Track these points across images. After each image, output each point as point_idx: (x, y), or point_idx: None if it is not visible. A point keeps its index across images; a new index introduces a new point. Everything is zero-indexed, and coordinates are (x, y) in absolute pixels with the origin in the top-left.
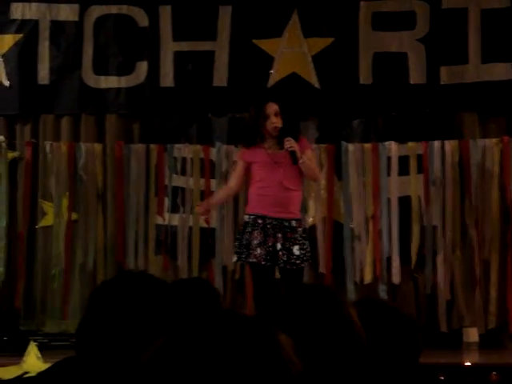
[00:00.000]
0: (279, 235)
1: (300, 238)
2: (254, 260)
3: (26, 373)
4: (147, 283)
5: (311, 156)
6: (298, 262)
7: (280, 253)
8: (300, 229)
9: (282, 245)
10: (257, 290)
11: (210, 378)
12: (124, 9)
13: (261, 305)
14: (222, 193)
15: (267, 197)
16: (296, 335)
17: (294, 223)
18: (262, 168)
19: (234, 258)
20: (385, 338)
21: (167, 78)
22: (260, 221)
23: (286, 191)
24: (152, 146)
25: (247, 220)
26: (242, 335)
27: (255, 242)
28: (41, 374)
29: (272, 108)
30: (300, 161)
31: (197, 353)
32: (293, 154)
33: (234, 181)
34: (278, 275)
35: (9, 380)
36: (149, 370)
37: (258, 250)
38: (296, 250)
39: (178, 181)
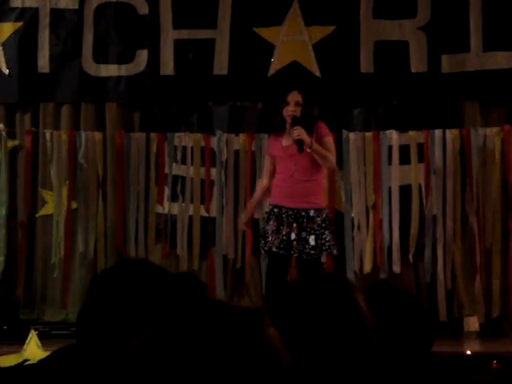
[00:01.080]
0: (294, 225)
1: (317, 228)
2: (267, 247)
3: (27, 361)
4: (147, 271)
5: (329, 143)
6: (312, 252)
7: (294, 242)
8: (319, 218)
9: (296, 235)
10: (267, 276)
11: (197, 370)
12: None
13: (270, 291)
14: (257, 194)
15: (283, 188)
16: (302, 321)
17: (312, 213)
18: (280, 161)
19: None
20: (397, 324)
21: (167, 67)
22: (276, 210)
23: (299, 182)
24: (152, 134)
25: (267, 210)
26: (229, 327)
27: (269, 229)
28: (41, 362)
29: (294, 97)
30: (307, 149)
31: (184, 345)
32: (299, 143)
33: (265, 178)
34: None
35: (9, 367)
36: (133, 360)
37: (270, 238)
38: (312, 239)
39: (179, 169)
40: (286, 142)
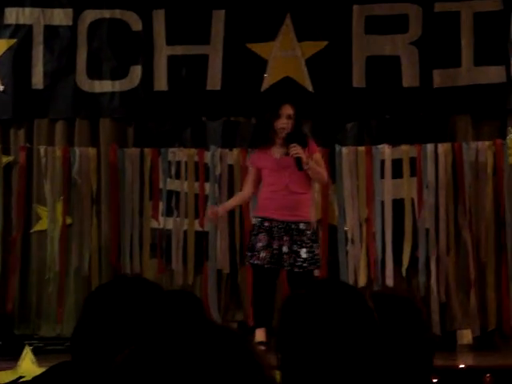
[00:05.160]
0: (286, 238)
1: (308, 241)
2: (258, 262)
3: (21, 377)
4: (142, 288)
5: (319, 159)
6: (304, 264)
7: (285, 256)
8: (309, 231)
9: (288, 247)
10: (256, 291)
11: None
12: (117, 13)
13: (259, 306)
14: (234, 200)
15: (274, 200)
16: (318, 328)
17: (301, 226)
18: (270, 173)
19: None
20: (398, 334)
21: (161, 82)
22: (267, 223)
23: (292, 195)
24: (146, 149)
25: (254, 223)
26: (216, 344)
27: (259, 244)
28: (36, 379)
29: (287, 110)
30: (305, 167)
31: (165, 361)
32: (298, 160)
33: (246, 188)
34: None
35: None
36: (117, 375)
37: (262, 253)
38: (303, 252)
39: (173, 184)
40: (277, 154)
